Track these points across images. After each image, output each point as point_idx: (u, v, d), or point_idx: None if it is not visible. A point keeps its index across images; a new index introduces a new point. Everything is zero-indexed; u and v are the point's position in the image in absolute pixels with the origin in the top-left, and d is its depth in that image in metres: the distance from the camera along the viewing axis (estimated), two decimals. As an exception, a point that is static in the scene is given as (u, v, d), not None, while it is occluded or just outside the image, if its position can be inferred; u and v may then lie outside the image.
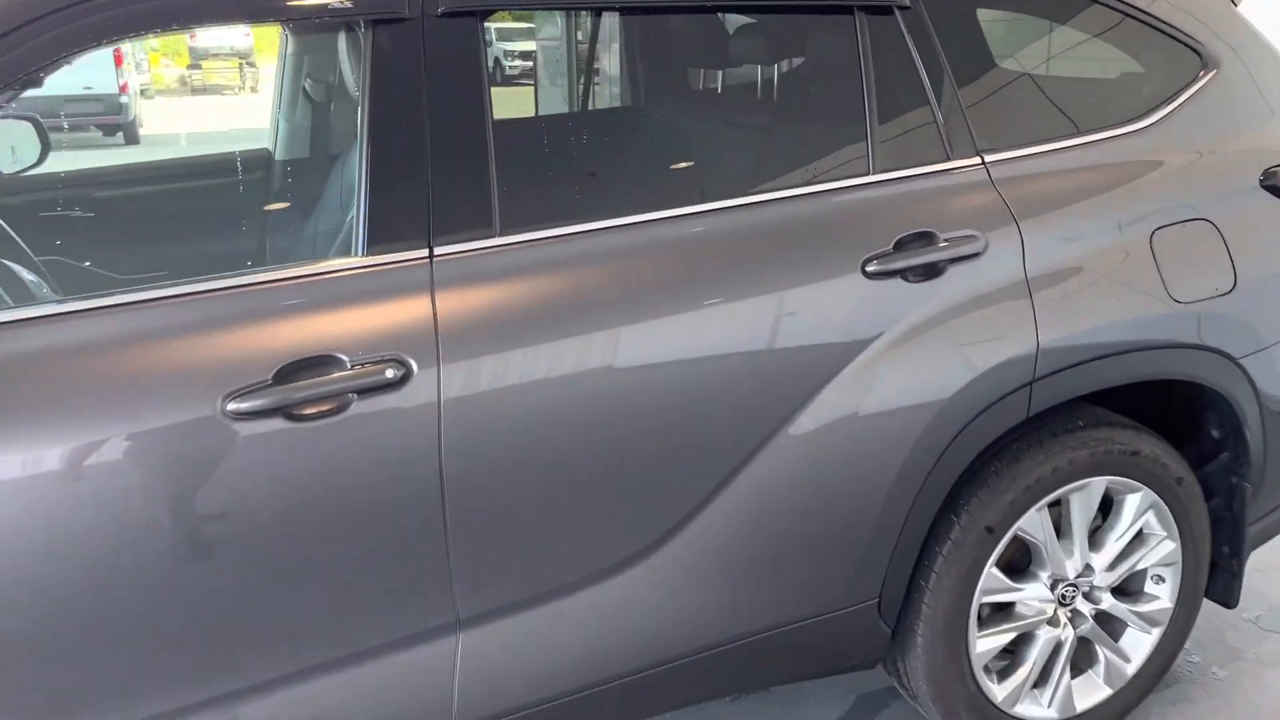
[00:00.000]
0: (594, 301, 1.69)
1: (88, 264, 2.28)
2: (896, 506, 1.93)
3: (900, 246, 1.87)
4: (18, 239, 1.95)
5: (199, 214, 2.58)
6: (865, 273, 1.84)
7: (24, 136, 2.87)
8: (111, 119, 12.47)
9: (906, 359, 1.87)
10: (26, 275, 1.82)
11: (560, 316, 1.66)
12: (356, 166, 1.63)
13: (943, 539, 2.03)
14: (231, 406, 1.47)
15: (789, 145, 2.09)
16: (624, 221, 1.75)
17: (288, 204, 2.63)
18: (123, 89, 12.42)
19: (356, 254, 1.60)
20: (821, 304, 1.82)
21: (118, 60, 12.44)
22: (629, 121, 2.78)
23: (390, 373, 1.55)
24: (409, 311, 1.59)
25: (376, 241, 1.60)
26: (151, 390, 1.45)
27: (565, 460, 1.69)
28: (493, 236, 1.66)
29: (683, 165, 2.10)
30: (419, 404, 1.57)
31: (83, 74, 11.81)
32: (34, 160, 2.84)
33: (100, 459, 1.43)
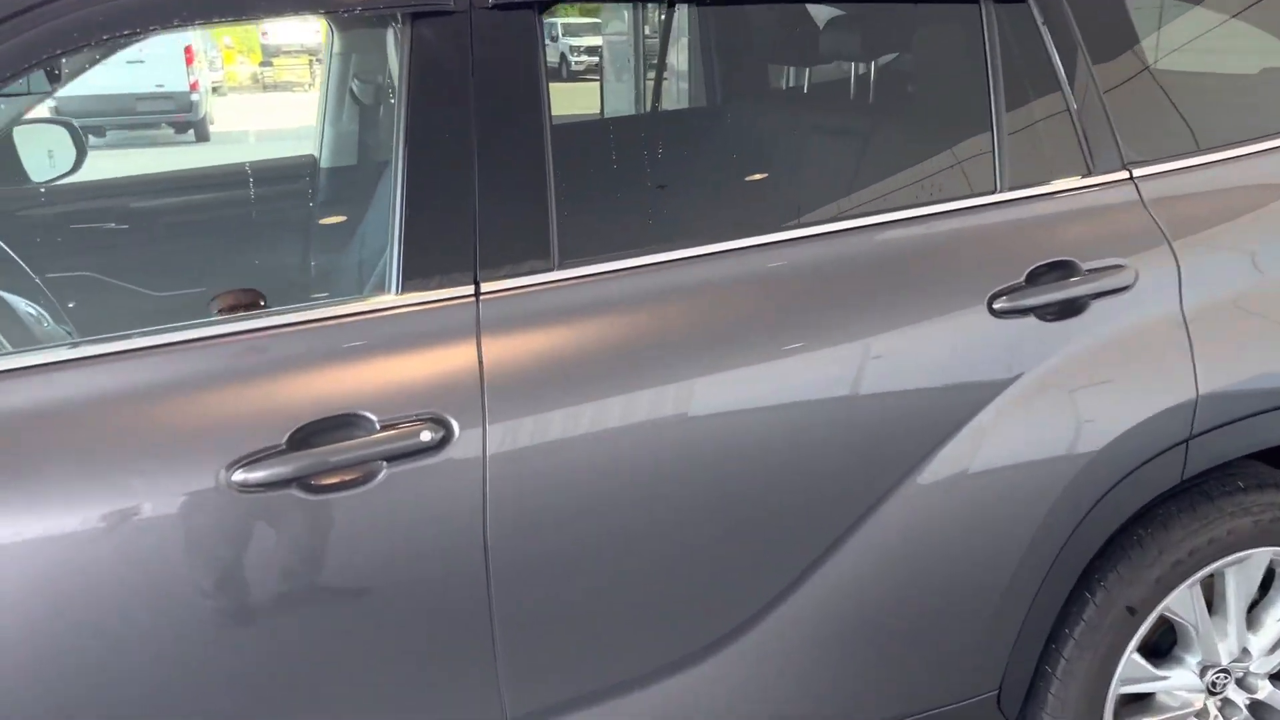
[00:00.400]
0: (671, 348, 1.42)
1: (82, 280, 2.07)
2: (1024, 582, 1.64)
3: (1034, 279, 1.57)
4: (23, 265, 1.74)
5: (228, 232, 2.36)
6: (992, 310, 1.54)
7: (60, 142, 2.69)
8: (182, 116, 12.57)
9: (1040, 412, 1.57)
10: (25, 307, 1.61)
11: (630, 366, 1.40)
12: (392, 187, 1.38)
13: (1074, 620, 1.72)
14: (238, 477, 1.23)
15: (897, 158, 1.79)
16: (705, 251, 1.48)
17: (326, 226, 2.40)
18: (193, 87, 12.49)
19: (391, 291, 1.36)
20: (940, 348, 1.52)
21: (189, 58, 12.53)
22: (707, 129, 2.50)
23: (426, 435, 1.30)
24: (450, 360, 1.34)
25: (414, 276, 1.35)
26: (141, 457, 1.21)
27: (637, 535, 1.43)
28: (550, 270, 1.40)
29: (772, 182, 1.82)
30: (460, 471, 1.32)
31: (155, 72, 11.91)
32: (70, 167, 2.66)
33: (81, 539, 1.19)
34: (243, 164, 2.65)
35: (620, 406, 1.40)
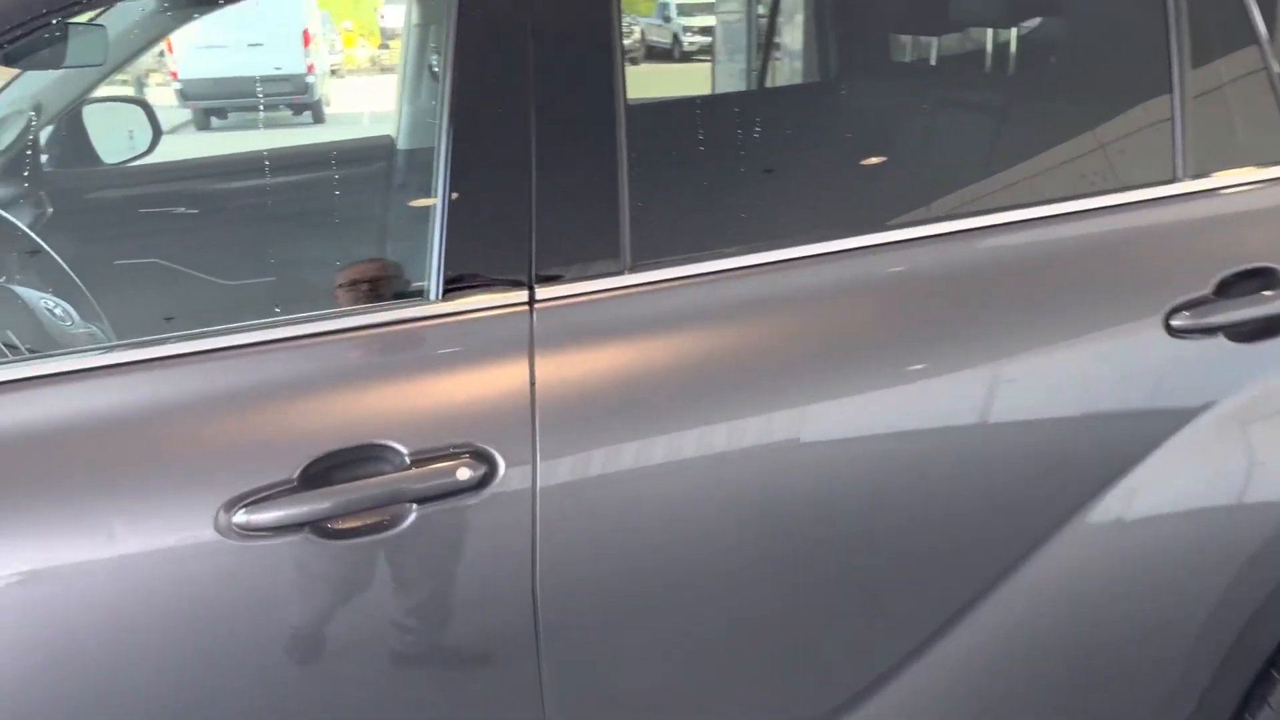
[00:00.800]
0: (767, 369, 1.17)
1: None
2: (1203, 655, 1.33)
3: (1224, 290, 1.26)
4: (56, 257, 1.58)
5: (300, 218, 2.18)
6: (1171, 328, 1.24)
7: (136, 122, 2.57)
8: (299, 98, 12.77)
9: (1231, 452, 1.26)
10: (46, 304, 1.45)
11: (718, 390, 1.15)
12: (434, 173, 1.16)
13: (1257, 704, 1.41)
14: (240, 519, 1.03)
15: (1048, 140, 1.49)
16: (811, 252, 1.22)
17: (399, 214, 2.20)
18: (309, 69, 12.67)
19: (429, 296, 1.14)
20: (1104, 373, 1.23)
21: (306, 41, 12.72)
22: (817, 108, 2.21)
23: (464, 472, 1.07)
24: (496, 382, 1.12)
25: (456, 279, 1.13)
26: (125, 493, 1.02)
27: (723, 588, 1.19)
28: (620, 274, 1.16)
29: (894, 169, 1.54)
30: (504, 515, 1.10)
31: (273, 55, 12.12)
32: (145, 147, 2.54)
33: (50, 591, 1.01)
34: (318, 146, 2.48)
35: (702, 438, 1.15)
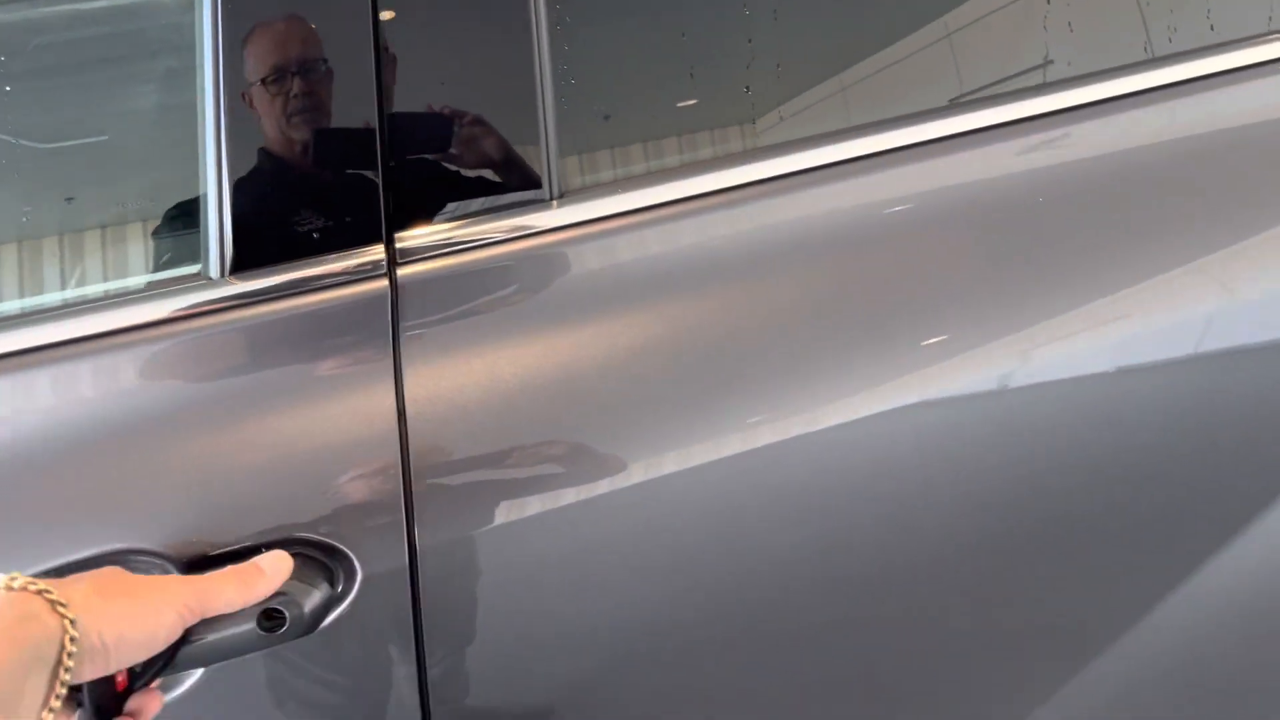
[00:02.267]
0: (802, 339, 0.69)
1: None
2: None
3: None
4: None
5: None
6: None
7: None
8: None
9: None
10: None
11: (719, 386, 0.68)
12: (198, 43, 0.65)
13: None
14: None
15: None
16: (862, 150, 0.72)
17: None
18: None
19: (208, 272, 0.64)
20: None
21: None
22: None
23: (263, 621, 0.59)
24: (332, 416, 0.63)
25: (250, 240, 0.64)
26: None
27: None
28: (543, 206, 0.67)
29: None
30: (359, 659, 0.62)
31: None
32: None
33: None
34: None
35: (706, 452, 0.68)
